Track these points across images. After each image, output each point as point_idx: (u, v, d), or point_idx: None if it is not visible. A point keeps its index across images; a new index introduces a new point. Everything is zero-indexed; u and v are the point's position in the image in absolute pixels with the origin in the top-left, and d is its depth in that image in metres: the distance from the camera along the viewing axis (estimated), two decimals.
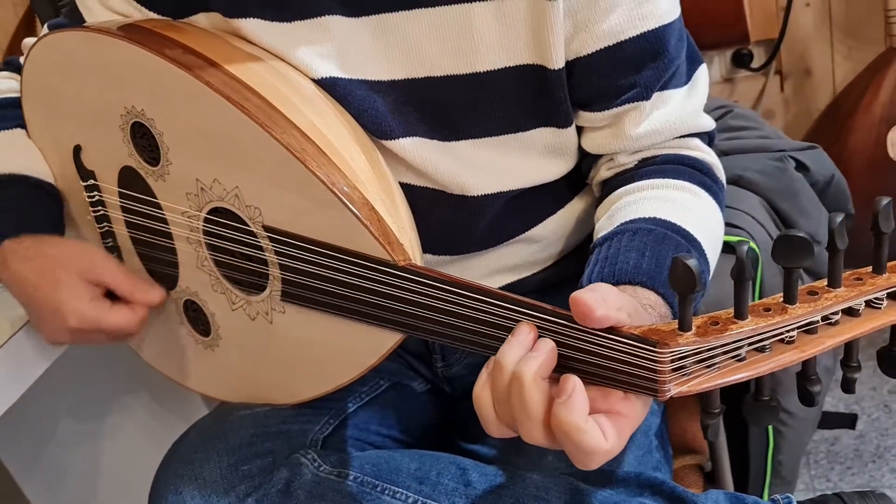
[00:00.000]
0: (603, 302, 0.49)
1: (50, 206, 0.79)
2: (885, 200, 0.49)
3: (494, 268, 0.78)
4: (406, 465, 0.68)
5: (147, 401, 1.26)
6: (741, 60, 1.62)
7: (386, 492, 0.66)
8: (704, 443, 0.85)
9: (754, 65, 1.61)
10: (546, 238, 0.79)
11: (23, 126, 0.80)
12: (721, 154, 0.96)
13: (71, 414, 1.30)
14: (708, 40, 1.48)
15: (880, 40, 1.45)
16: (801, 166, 0.92)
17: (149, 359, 0.87)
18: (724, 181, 0.75)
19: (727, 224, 0.85)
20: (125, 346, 1.14)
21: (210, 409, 0.84)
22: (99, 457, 1.32)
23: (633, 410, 0.51)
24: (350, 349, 0.66)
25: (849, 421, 1.24)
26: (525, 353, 0.51)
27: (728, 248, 0.82)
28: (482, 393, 0.53)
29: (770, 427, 0.91)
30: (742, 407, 0.54)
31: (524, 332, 0.52)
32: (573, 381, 0.49)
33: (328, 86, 0.66)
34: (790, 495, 0.65)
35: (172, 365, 0.84)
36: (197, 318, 0.77)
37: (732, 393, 0.87)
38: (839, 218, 0.49)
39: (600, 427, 0.48)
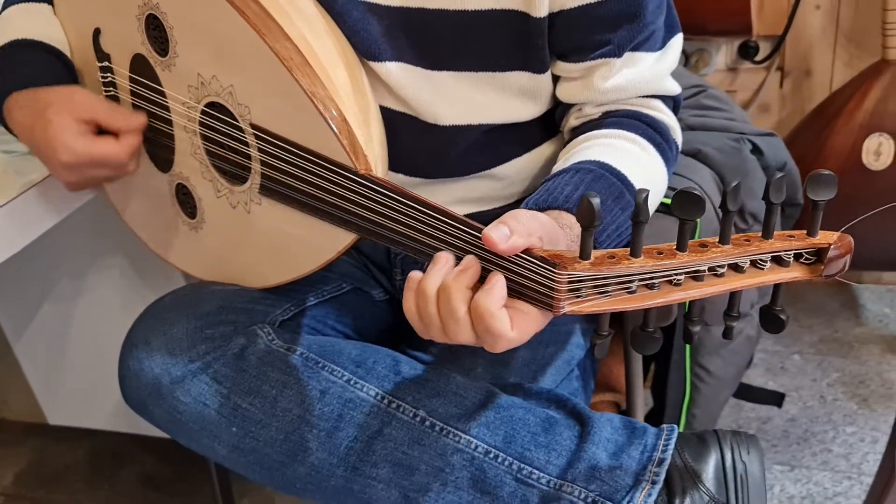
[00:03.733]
0: (508, 233, 0.56)
1: (62, 72, 0.85)
2: (780, 175, 0.57)
3: (459, 197, 0.86)
4: (348, 351, 0.77)
5: (130, 275, 1.34)
6: (747, 52, 1.68)
7: (325, 368, 0.75)
8: (623, 384, 0.94)
9: (758, 58, 1.66)
10: (510, 177, 0.86)
11: (50, 3, 0.88)
12: (688, 128, 1.04)
13: (63, 283, 1.40)
14: (713, 27, 1.53)
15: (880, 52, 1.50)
16: (756, 150, 0.99)
17: (141, 234, 0.96)
18: (677, 142, 0.82)
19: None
20: (118, 223, 1.23)
21: None
22: (83, 323, 1.42)
23: (536, 312, 0.58)
24: (312, 243, 0.75)
25: (775, 398, 1.33)
26: (445, 276, 0.58)
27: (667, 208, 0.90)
28: (409, 304, 0.60)
29: (688, 381, 1.00)
30: (630, 335, 0.63)
31: (443, 260, 0.59)
32: (498, 276, 0.57)
33: (328, 3, 0.73)
34: (674, 425, 0.74)
35: (160, 242, 0.93)
36: (186, 201, 0.86)
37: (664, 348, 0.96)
38: (735, 182, 0.57)
39: (510, 319, 0.57)
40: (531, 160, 0.86)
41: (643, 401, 0.94)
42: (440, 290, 0.58)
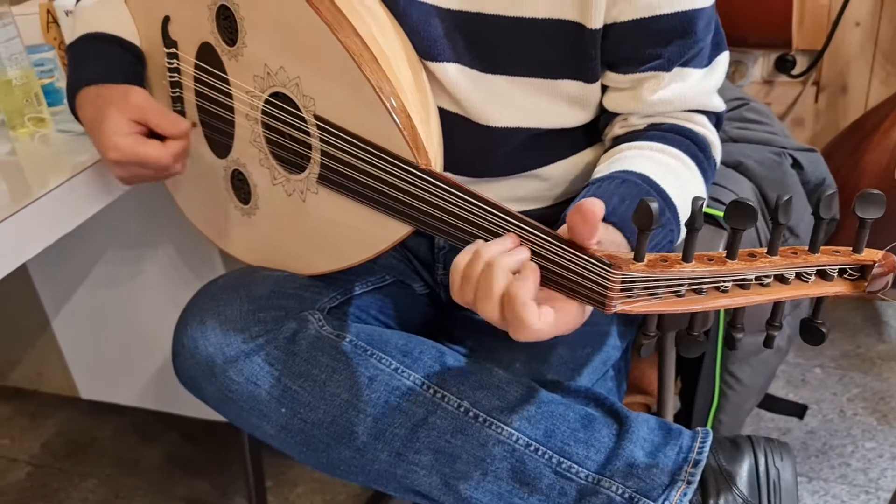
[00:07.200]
0: (601, 213, 0.58)
1: (130, 65, 0.89)
2: (830, 191, 0.58)
3: (505, 195, 0.88)
4: (395, 340, 0.80)
5: (171, 258, 1.38)
6: (783, 66, 1.69)
7: (373, 356, 0.77)
8: (655, 387, 0.96)
9: (794, 72, 1.67)
10: (555, 178, 0.88)
11: None
12: (730, 140, 1.05)
13: (105, 262, 1.43)
14: (753, 40, 1.55)
15: None
16: (796, 164, 1.00)
17: (192, 218, 0.98)
18: (717, 159, 0.84)
19: (718, 200, 0.94)
20: (163, 207, 1.25)
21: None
22: (121, 302, 1.46)
23: (570, 309, 0.60)
24: (367, 233, 0.77)
25: (798, 410, 1.34)
26: (503, 252, 0.61)
27: (713, 221, 0.92)
28: (460, 260, 0.62)
29: (717, 388, 1.02)
30: (676, 338, 0.64)
31: (508, 239, 0.62)
32: (533, 266, 0.59)
33: (390, 2, 0.76)
34: (709, 429, 0.76)
35: (211, 226, 0.96)
36: (241, 187, 0.89)
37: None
38: (785, 197, 0.58)
39: (539, 311, 0.58)
40: (576, 163, 0.88)
41: (673, 404, 0.96)
42: (487, 264, 0.60)
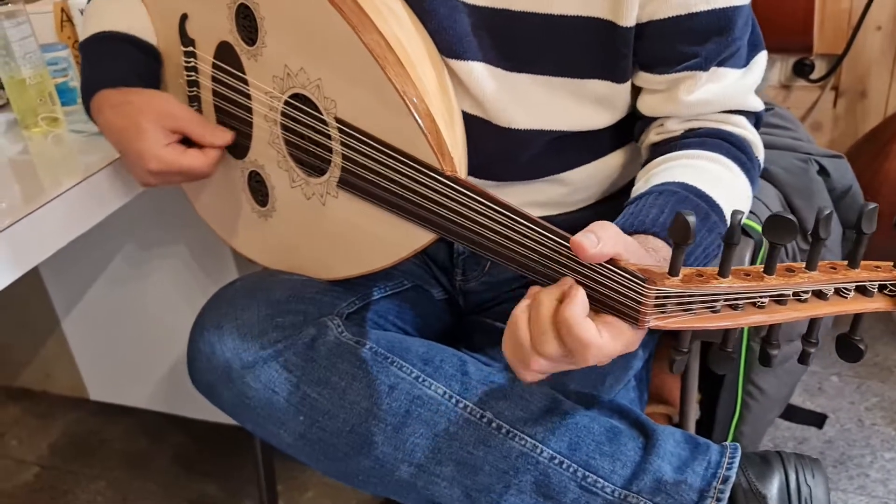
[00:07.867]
0: (597, 241, 0.56)
1: (148, 69, 0.88)
2: (871, 205, 0.56)
3: (526, 201, 0.86)
4: (416, 348, 0.78)
5: (184, 261, 1.36)
6: (802, 70, 1.67)
7: (394, 364, 0.75)
8: (677, 397, 0.94)
9: (813, 76, 1.65)
10: (576, 183, 0.86)
11: None
12: None
13: (116, 263, 1.42)
14: (773, 43, 1.52)
15: None
16: (823, 171, 0.98)
17: (208, 219, 0.97)
18: (760, 159, 0.81)
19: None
20: (177, 209, 1.24)
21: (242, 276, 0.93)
22: (132, 304, 1.44)
23: (625, 325, 0.58)
24: (388, 240, 0.76)
25: (817, 420, 1.32)
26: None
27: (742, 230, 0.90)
28: (509, 354, 0.61)
29: (739, 399, 1.00)
30: (708, 353, 0.63)
31: (567, 283, 0.59)
32: (578, 287, 0.57)
33: (415, 0, 0.74)
34: (737, 444, 0.74)
35: (227, 227, 0.94)
36: (258, 188, 0.87)
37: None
38: (826, 211, 0.56)
39: (595, 326, 0.57)
40: (599, 167, 0.87)
41: (695, 415, 0.94)
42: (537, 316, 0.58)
